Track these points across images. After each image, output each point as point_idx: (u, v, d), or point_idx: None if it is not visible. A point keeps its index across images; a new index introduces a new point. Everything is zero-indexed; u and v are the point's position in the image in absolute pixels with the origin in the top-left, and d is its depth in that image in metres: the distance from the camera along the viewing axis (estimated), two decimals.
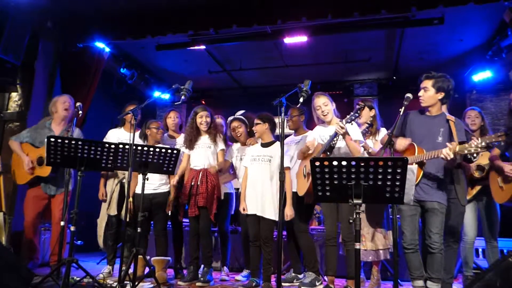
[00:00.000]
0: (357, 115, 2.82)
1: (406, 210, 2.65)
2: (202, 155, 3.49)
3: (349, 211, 2.85)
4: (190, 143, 3.50)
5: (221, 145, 3.56)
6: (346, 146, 2.93)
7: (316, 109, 3.11)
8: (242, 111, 3.96)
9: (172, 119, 3.92)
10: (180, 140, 3.88)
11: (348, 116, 2.84)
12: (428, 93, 2.69)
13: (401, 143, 2.63)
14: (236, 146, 3.91)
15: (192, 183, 3.43)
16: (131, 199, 3.44)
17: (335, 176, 1.89)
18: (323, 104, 3.07)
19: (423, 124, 2.72)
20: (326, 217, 3.03)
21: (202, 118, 3.50)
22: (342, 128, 2.78)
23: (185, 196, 3.44)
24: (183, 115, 7.08)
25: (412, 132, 2.74)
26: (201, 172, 3.44)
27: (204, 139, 3.54)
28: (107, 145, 2.71)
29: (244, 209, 3.23)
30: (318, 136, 3.14)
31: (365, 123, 3.34)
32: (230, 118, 3.90)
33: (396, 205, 2.44)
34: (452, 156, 2.42)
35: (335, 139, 2.89)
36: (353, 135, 2.89)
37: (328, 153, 2.92)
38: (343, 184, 1.88)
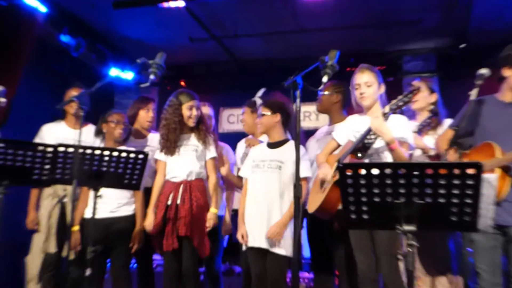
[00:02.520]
0: (406, 100, 2.77)
1: (482, 240, 2.66)
2: (184, 162, 3.49)
3: (391, 240, 2.82)
4: (171, 145, 3.48)
5: (211, 151, 3.57)
6: (386, 148, 2.91)
7: (354, 88, 3.10)
8: (262, 90, 4.01)
9: (149, 111, 3.99)
10: (152, 140, 3.90)
11: (393, 102, 2.79)
12: None
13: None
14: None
15: (169, 202, 3.42)
16: (77, 227, 3.44)
17: (376, 191, 1.88)
18: (365, 83, 3.05)
19: (498, 115, 2.74)
20: (357, 249, 3.01)
21: (192, 111, 3.50)
22: (377, 119, 2.74)
23: (158, 220, 3.43)
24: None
25: (484, 126, 2.76)
26: (182, 186, 3.43)
27: (190, 139, 3.55)
28: (41, 147, 2.71)
29: (243, 237, 3.24)
30: (350, 130, 3.13)
31: (426, 110, 3.32)
32: (257, 99, 3.96)
33: (467, 233, 2.45)
34: None
35: (371, 135, 2.85)
36: (397, 132, 2.85)
37: (360, 155, 2.89)
38: (388, 203, 1.88)
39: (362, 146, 2.89)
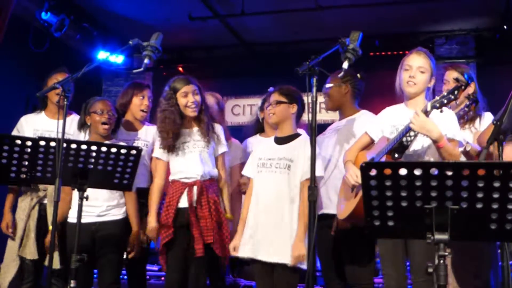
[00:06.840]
0: (451, 97, 2.74)
1: None
2: (195, 160, 3.50)
3: (427, 251, 2.76)
4: (172, 141, 3.49)
5: (222, 146, 3.59)
6: (428, 147, 2.93)
7: (404, 69, 3.07)
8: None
9: (144, 99, 3.97)
10: (146, 133, 3.95)
11: (436, 98, 2.77)
12: None
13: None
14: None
15: (183, 205, 3.42)
16: (50, 226, 3.39)
17: (404, 194, 1.89)
18: (418, 67, 3.02)
19: None
20: (386, 260, 3.03)
21: (188, 97, 3.49)
22: (417, 117, 2.73)
23: (167, 227, 3.42)
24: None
25: None
26: (195, 187, 3.44)
27: (197, 134, 3.56)
28: (19, 141, 2.71)
29: (234, 249, 3.30)
30: (387, 124, 3.12)
31: (461, 104, 3.33)
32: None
33: (508, 244, 2.42)
34: None
35: (410, 132, 2.85)
36: (447, 130, 2.87)
37: (397, 155, 2.90)
38: (417, 208, 1.90)
39: (400, 145, 2.89)
